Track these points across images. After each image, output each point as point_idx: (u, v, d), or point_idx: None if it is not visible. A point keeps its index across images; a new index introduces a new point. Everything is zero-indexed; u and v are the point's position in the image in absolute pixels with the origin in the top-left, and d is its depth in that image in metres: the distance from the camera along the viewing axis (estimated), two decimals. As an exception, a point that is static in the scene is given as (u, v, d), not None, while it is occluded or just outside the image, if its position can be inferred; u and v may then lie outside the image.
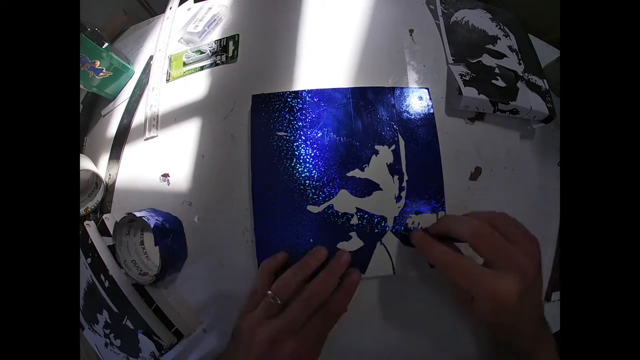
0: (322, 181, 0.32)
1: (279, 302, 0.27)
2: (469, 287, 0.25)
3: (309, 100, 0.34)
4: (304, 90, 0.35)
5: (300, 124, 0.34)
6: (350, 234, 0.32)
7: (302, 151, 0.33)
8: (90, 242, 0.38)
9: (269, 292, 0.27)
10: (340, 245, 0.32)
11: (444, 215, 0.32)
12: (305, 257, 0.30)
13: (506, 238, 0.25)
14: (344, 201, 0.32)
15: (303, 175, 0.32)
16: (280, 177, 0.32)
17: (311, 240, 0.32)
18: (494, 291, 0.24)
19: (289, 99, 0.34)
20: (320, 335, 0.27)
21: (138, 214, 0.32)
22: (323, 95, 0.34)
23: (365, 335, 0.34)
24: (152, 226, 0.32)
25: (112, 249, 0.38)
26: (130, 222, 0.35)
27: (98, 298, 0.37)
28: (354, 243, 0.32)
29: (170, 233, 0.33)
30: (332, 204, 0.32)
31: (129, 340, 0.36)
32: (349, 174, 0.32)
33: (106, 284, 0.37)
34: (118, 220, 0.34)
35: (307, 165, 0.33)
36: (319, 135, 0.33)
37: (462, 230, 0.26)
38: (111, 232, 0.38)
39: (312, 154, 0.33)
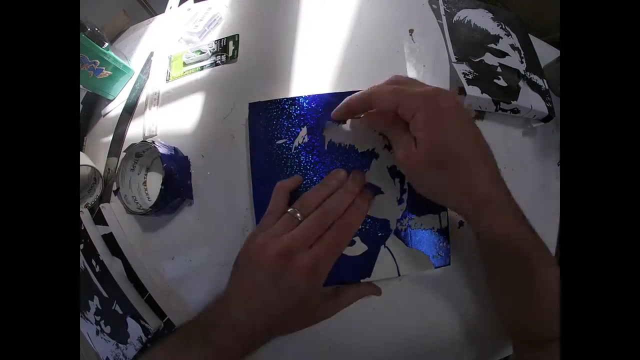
0: None
1: (299, 218, 0.26)
2: (396, 99, 0.26)
3: (306, 106, 0.34)
4: (301, 97, 0.34)
5: (299, 130, 0.33)
6: (354, 238, 0.31)
7: (302, 158, 0.33)
8: (83, 228, 0.38)
9: (290, 208, 0.27)
10: (345, 250, 0.31)
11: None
12: (326, 178, 0.30)
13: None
14: None
15: (304, 182, 0.32)
16: None
17: None
18: (422, 92, 0.25)
19: (286, 106, 0.34)
20: (334, 249, 0.27)
21: (149, 141, 0.34)
22: (320, 101, 0.34)
23: (367, 336, 0.34)
24: (161, 153, 0.33)
25: (106, 237, 0.38)
26: (137, 157, 0.36)
27: (89, 284, 0.38)
28: (358, 247, 0.31)
29: (175, 165, 0.34)
30: None
31: (118, 325, 0.36)
32: None
33: (97, 269, 0.37)
34: (125, 150, 0.35)
35: (308, 172, 0.32)
36: (317, 141, 0.33)
37: (363, 98, 0.28)
38: (107, 221, 0.38)
39: (312, 161, 0.32)
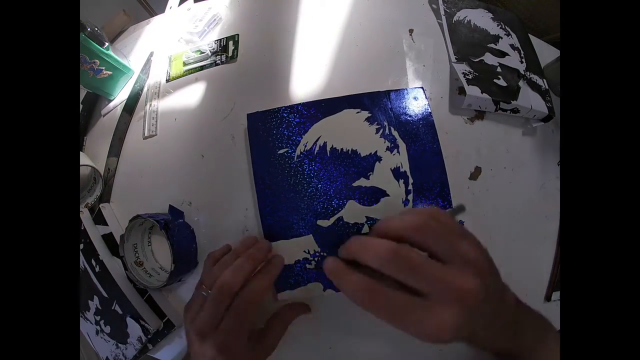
0: (328, 194, 0.32)
1: (203, 294, 0.27)
2: (392, 323, 0.21)
3: (305, 113, 0.34)
4: (300, 104, 0.34)
5: (300, 138, 0.33)
6: None
7: (305, 167, 0.32)
8: (83, 228, 0.38)
9: (202, 285, 0.27)
10: None
11: (353, 236, 0.25)
12: (235, 247, 0.30)
13: (433, 253, 0.21)
14: (353, 212, 0.31)
15: (309, 190, 0.32)
16: (287, 195, 0.32)
17: (325, 254, 0.31)
18: (423, 329, 0.20)
19: (285, 114, 0.34)
20: (236, 325, 0.26)
21: (145, 215, 0.33)
22: (319, 107, 0.34)
23: (368, 336, 0.34)
24: (160, 225, 0.32)
25: (106, 237, 0.38)
26: (140, 226, 0.35)
27: (89, 284, 0.38)
28: None
29: (187, 256, 0.34)
30: (342, 216, 0.31)
31: (118, 325, 0.37)
32: (355, 184, 0.32)
33: (97, 269, 0.37)
34: (141, 216, 0.33)
35: (312, 180, 0.32)
36: (319, 147, 0.33)
37: (369, 258, 0.22)
38: (107, 221, 0.38)
39: (316, 168, 0.32)
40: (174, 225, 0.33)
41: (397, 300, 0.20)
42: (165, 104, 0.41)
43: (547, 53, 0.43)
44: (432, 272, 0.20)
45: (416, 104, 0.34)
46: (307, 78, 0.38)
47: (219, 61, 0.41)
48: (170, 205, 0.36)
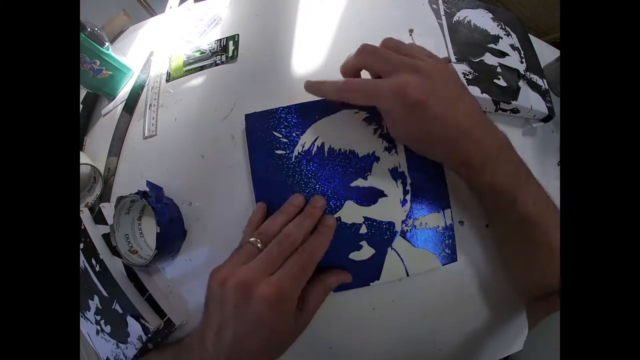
0: (326, 195, 0.32)
1: (259, 246, 0.26)
2: (369, 98, 0.27)
3: (303, 114, 0.34)
4: (297, 104, 0.34)
5: (298, 139, 0.33)
6: (361, 243, 0.31)
7: (303, 167, 0.32)
8: (83, 227, 0.38)
9: (251, 238, 0.27)
10: (352, 255, 0.31)
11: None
12: (284, 205, 0.30)
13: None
14: (350, 212, 0.32)
15: (307, 191, 0.32)
16: (285, 196, 0.32)
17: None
18: (393, 86, 0.25)
19: (282, 115, 0.34)
20: (297, 274, 0.25)
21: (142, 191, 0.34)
22: (317, 107, 0.34)
23: (368, 336, 0.34)
24: (155, 210, 0.32)
25: (106, 237, 0.38)
26: (132, 202, 0.35)
27: (89, 283, 0.38)
28: (366, 252, 0.31)
29: (170, 218, 0.34)
30: (340, 216, 0.31)
31: (118, 325, 0.36)
32: (353, 184, 0.32)
33: (97, 268, 0.37)
34: (123, 196, 0.34)
35: (310, 180, 0.32)
36: (317, 148, 0.33)
37: (351, 60, 0.29)
38: (108, 221, 0.38)
39: (314, 169, 0.32)
40: (152, 193, 0.34)
41: (369, 81, 0.28)
42: (165, 103, 0.41)
43: (547, 53, 0.43)
44: (395, 58, 0.27)
45: None
46: (307, 78, 0.38)
47: (219, 61, 0.41)
48: (147, 181, 0.36)
